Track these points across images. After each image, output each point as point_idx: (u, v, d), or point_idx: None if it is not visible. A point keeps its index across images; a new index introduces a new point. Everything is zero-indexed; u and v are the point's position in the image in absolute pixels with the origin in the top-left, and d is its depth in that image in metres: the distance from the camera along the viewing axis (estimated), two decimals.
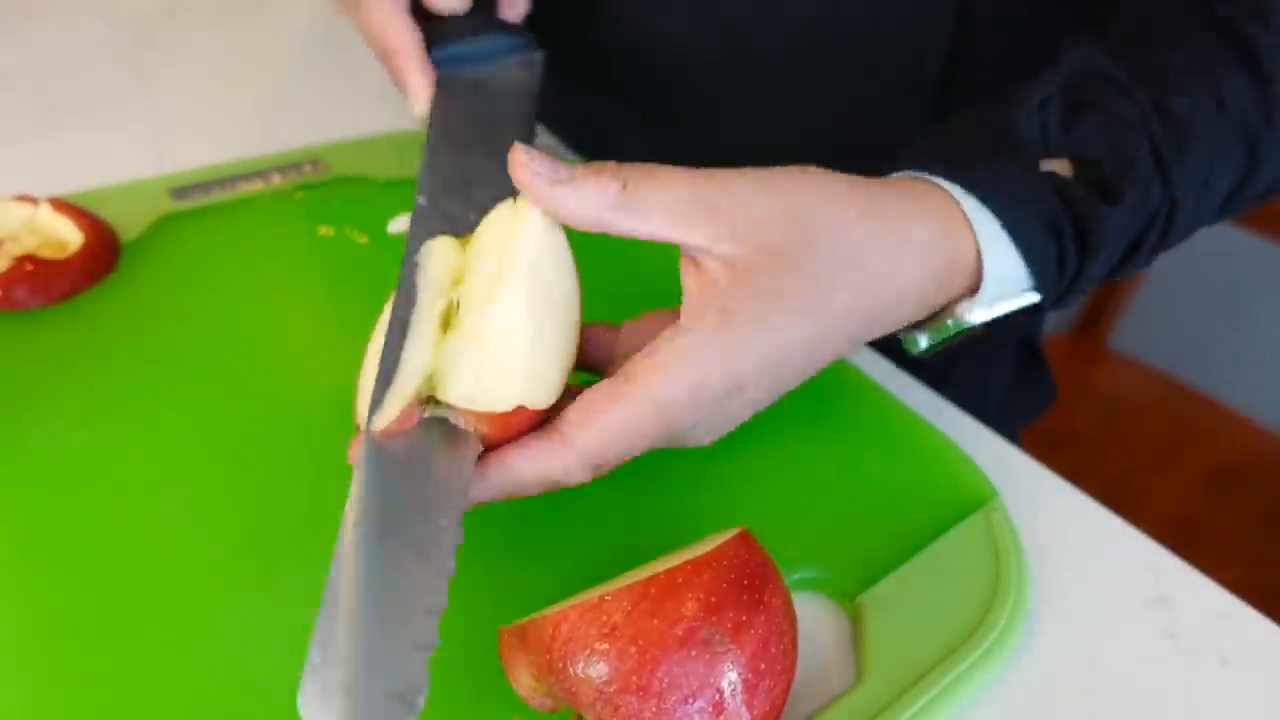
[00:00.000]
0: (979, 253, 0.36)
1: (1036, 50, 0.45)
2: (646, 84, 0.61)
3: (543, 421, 0.32)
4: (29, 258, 0.42)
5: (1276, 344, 1.37)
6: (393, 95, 0.67)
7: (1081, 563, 0.38)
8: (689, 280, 0.33)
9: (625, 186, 0.32)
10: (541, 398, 0.31)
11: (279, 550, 0.35)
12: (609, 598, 0.27)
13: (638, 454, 0.33)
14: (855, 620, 0.34)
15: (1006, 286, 0.37)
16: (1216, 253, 1.32)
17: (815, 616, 0.35)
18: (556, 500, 0.38)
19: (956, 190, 0.36)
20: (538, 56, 0.49)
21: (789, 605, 0.30)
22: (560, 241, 0.33)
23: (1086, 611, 0.36)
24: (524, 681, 0.29)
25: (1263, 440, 1.02)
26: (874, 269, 0.33)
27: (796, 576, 0.36)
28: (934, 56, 0.53)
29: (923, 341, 0.38)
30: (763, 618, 0.28)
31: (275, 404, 0.41)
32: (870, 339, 0.35)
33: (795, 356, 0.33)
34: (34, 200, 0.47)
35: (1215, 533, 0.93)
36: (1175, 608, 0.37)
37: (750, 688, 0.27)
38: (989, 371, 0.68)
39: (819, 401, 0.43)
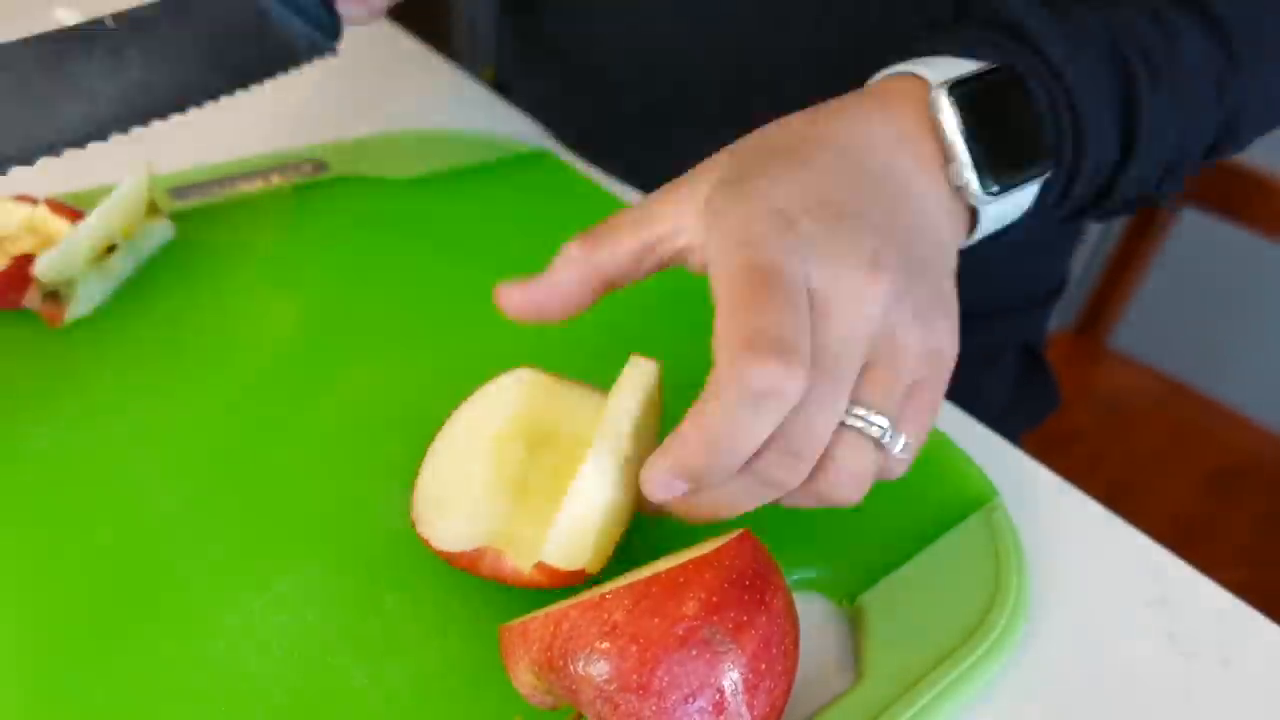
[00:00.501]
0: (912, 74, 0.36)
1: None
2: (649, 95, 0.60)
3: (590, 581, 0.32)
4: (27, 257, 0.42)
5: (1276, 344, 1.37)
6: (392, 95, 0.67)
7: (1081, 563, 0.38)
8: (691, 263, 0.34)
9: (583, 237, 0.34)
10: (598, 566, 0.32)
11: (279, 550, 0.35)
12: (610, 596, 0.27)
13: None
14: (855, 620, 0.34)
15: (955, 73, 0.36)
16: (1216, 253, 1.32)
17: (815, 616, 0.35)
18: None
19: (881, 72, 0.38)
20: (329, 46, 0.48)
21: (791, 606, 0.30)
22: (652, 384, 0.34)
23: (1086, 611, 0.36)
24: (524, 679, 0.29)
25: (1263, 440, 1.02)
26: (826, 131, 0.34)
27: (796, 576, 0.36)
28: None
29: (964, 171, 0.35)
30: (764, 618, 0.28)
31: (275, 404, 0.41)
32: (882, 173, 0.34)
33: (798, 187, 0.32)
34: (32, 200, 0.46)
35: (1215, 533, 0.93)
36: (1175, 608, 0.37)
37: (751, 688, 0.27)
38: (991, 377, 0.68)
39: None
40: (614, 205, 0.56)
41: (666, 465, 0.29)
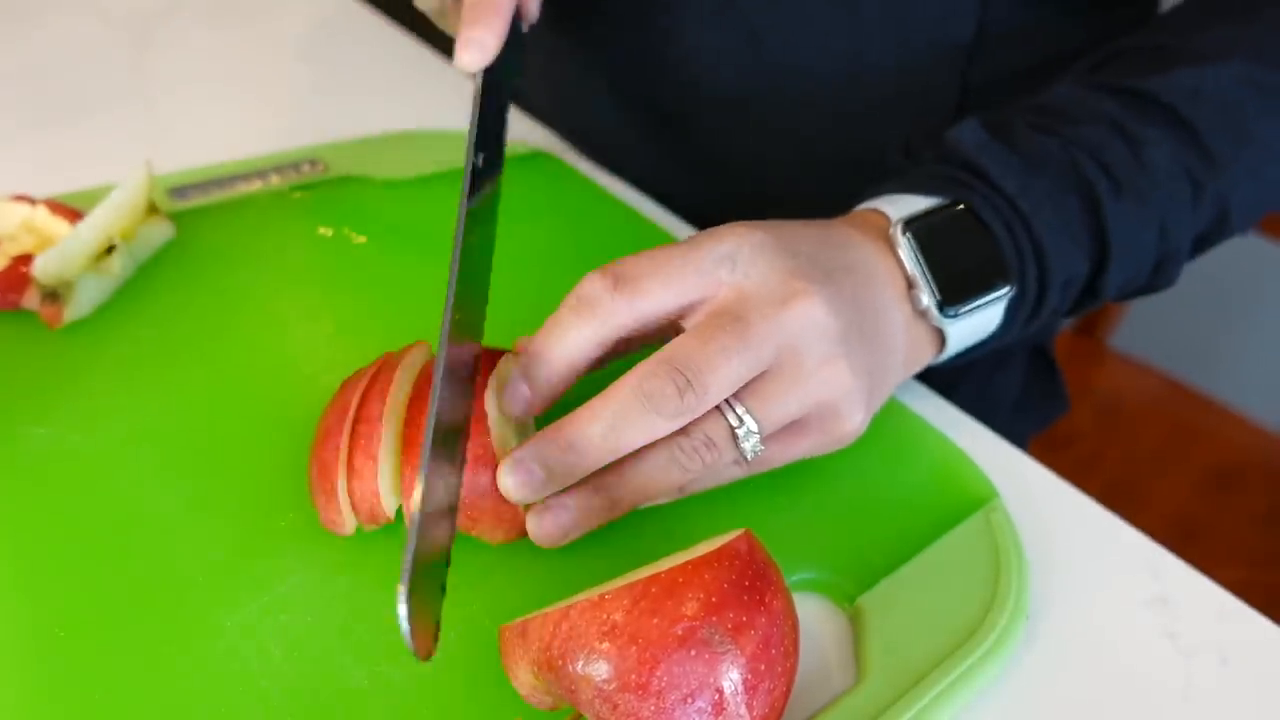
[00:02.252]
0: (881, 212, 0.40)
1: (1049, 65, 0.46)
2: (667, 95, 0.60)
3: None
4: (26, 258, 0.42)
5: (1276, 344, 1.37)
6: (392, 95, 0.67)
7: (1081, 563, 0.38)
8: None
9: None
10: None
11: (278, 551, 0.35)
12: (609, 596, 0.27)
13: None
14: (855, 621, 0.34)
15: (913, 210, 0.39)
16: (1216, 253, 1.32)
17: (815, 617, 0.35)
18: None
19: (858, 206, 0.41)
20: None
21: (790, 607, 0.30)
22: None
23: (1086, 611, 0.36)
24: (524, 679, 0.29)
25: (1263, 440, 1.02)
26: (809, 222, 0.38)
27: (796, 577, 0.36)
28: (951, 76, 0.54)
29: (923, 296, 0.38)
30: (764, 619, 0.28)
31: (274, 404, 0.41)
32: (849, 258, 0.37)
33: (781, 232, 0.36)
34: (31, 200, 0.46)
35: (1215, 533, 0.93)
36: (1175, 608, 0.37)
37: (750, 688, 0.27)
38: (1000, 379, 0.68)
39: None
40: (614, 206, 0.56)
41: (523, 452, 0.31)
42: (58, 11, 0.73)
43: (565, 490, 0.33)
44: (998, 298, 0.39)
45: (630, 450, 0.32)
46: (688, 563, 0.28)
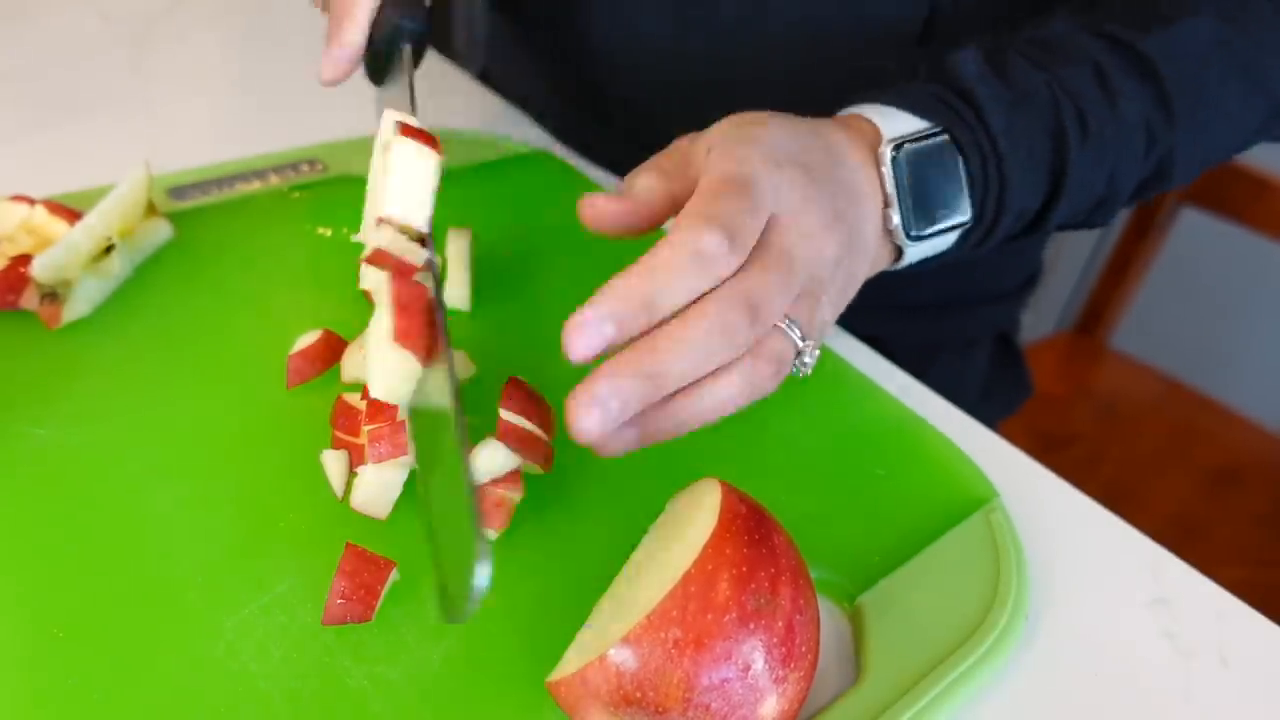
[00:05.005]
0: (871, 121, 0.41)
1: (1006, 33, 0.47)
2: (630, 83, 0.61)
3: None
4: (25, 258, 0.42)
5: (1276, 344, 1.37)
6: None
7: (1081, 563, 0.38)
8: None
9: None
10: None
11: (278, 551, 0.35)
12: (654, 618, 0.27)
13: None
14: (855, 620, 0.34)
15: (905, 131, 0.41)
16: (1216, 253, 1.32)
17: None
18: (553, 508, 0.38)
19: (851, 109, 0.43)
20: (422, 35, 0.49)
21: (780, 525, 0.31)
22: None
23: (1086, 611, 0.36)
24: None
25: (1263, 440, 1.02)
26: (811, 122, 0.40)
27: None
28: (905, 59, 0.55)
29: (894, 215, 0.40)
30: (781, 558, 0.29)
31: (274, 403, 0.41)
32: (847, 178, 0.39)
33: (802, 158, 0.37)
34: (30, 200, 0.46)
35: (1215, 533, 0.93)
36: (1175, 608, 0.37)
37: (800, 611, 0.29)
38: (967, 365, 0.70)
39: (819, 403, 0.43)
40: None
41: (600, 307, 0.31)
42: (57, 11, 0.73)
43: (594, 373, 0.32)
44: (957, 226, 0.41)
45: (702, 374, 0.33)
46: (707, 547, 0.28)
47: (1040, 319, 1.56)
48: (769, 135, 0.37)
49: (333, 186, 0.55)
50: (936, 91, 0.42)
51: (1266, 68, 0.45)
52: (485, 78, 0.75)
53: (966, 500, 0.39)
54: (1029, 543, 0.38)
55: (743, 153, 0.36)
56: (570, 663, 0.29)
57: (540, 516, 0.37)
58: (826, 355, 0.46)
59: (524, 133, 0.64)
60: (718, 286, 0.32)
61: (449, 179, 0.58)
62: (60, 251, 0.42)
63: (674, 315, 0.32)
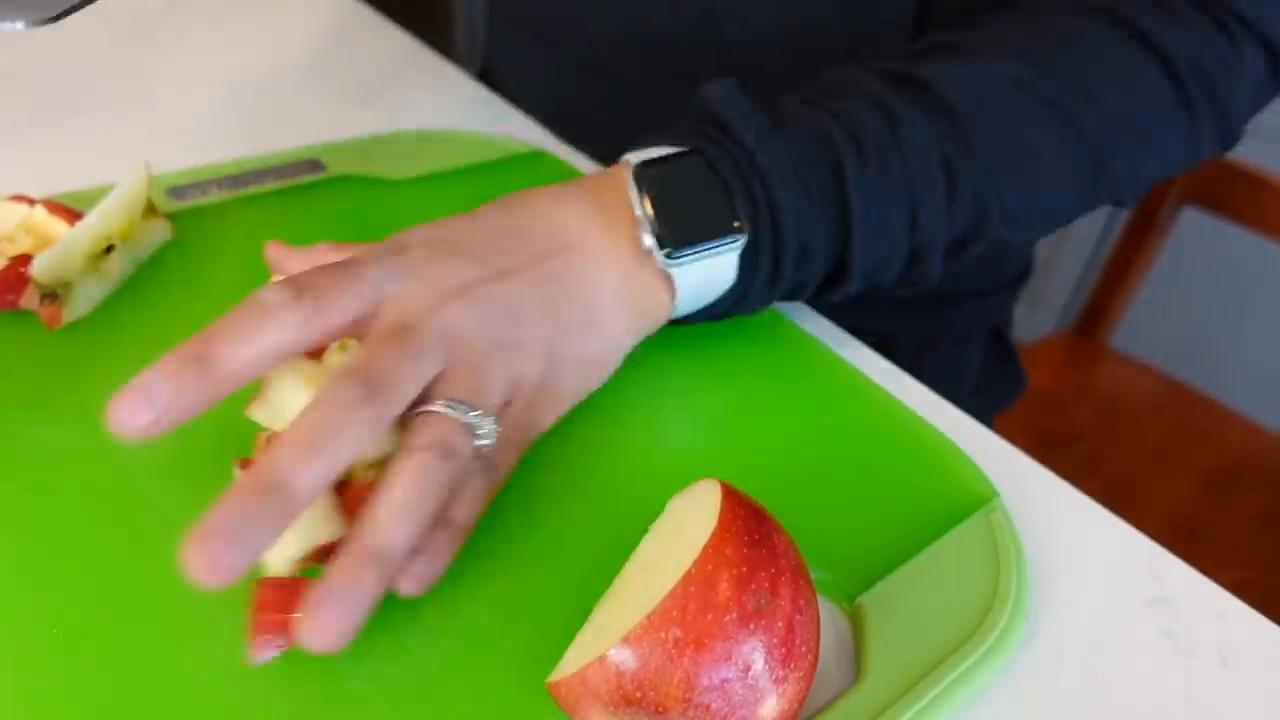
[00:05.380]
0: (626, 161, 0.40)
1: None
2: (627, 69, 0.61)
3: None
4: (25, 258, 0.42)
5: (1276, 344, 1.37)
6: (392, 95, 0.67)
7: (1081, 563, 0.38)
8: None
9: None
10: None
11: None
12: (655, 618, 0.27)
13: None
14: (855, 620, 0.34)
15: (651, 154, 0.40)
16: (1216, 253, 1.32)
17: None
18: (540, 510, 0.38)
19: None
20: None
21: (778, 523, 0.31)
22: None
23: (1086, 611, 0.36)
24: None
25: (1263, 440, 1.02)
26: (517, 203, 0.40)
27: None
28: (899, 41, 0.55)
29: (646, 238, 0.39)
30: (780, 558, 0.29)
31: None
32: (525, 222, 0.39)
33: (452, 231, 0.38)
34: (29, 200, 0.46)
35: (1215, 533, 0.93)
36: (1175, 608, 0.37)
37: (800, 611, 0.29)
38: (960, 360, 0.70)
39: (818, 402, 0.43)
40: None
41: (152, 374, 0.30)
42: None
43: (324, 577, 0.29)
44: (724, 245, 0.39)
45: (342, 469, 0.30)
46: (707, 547, 0.28)
47: (1040, 319, 1.56)
48: (420, 229, 0.37)
49: (333, 186, 0.55)
50: (689, 125, 0.41)
51: (1079, 114, 0.43)
52: (485, 78, 0.75)
53: (966, 500, 0.39)
54: (1029, 543, 0.38)
55: (368, 251, 0.35)
56: (570, 663, 0.29)
57: (539, 517, 0.37)
58: (825, 354, 0.46)
59: (524, 133, 0.64)
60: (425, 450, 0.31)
61: (449, 179, 0.58)
62: (60, 251, 0.42)
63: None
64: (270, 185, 0.54)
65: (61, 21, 0.69)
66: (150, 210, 0.48)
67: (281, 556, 0.32)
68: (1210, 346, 1.37)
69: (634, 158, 0.40)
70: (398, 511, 0.30)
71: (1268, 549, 0.92)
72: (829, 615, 0.35)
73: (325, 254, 0.40)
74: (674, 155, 0.40)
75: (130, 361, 0.42)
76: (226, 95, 0.66)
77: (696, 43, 0.58)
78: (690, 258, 0.39)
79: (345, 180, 0.55)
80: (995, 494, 0.39)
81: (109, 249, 0.45)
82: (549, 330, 0.37)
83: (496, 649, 0.32)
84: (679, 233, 0.39)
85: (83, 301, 0.44)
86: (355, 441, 0.30)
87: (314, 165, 0.56)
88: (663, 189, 0.39)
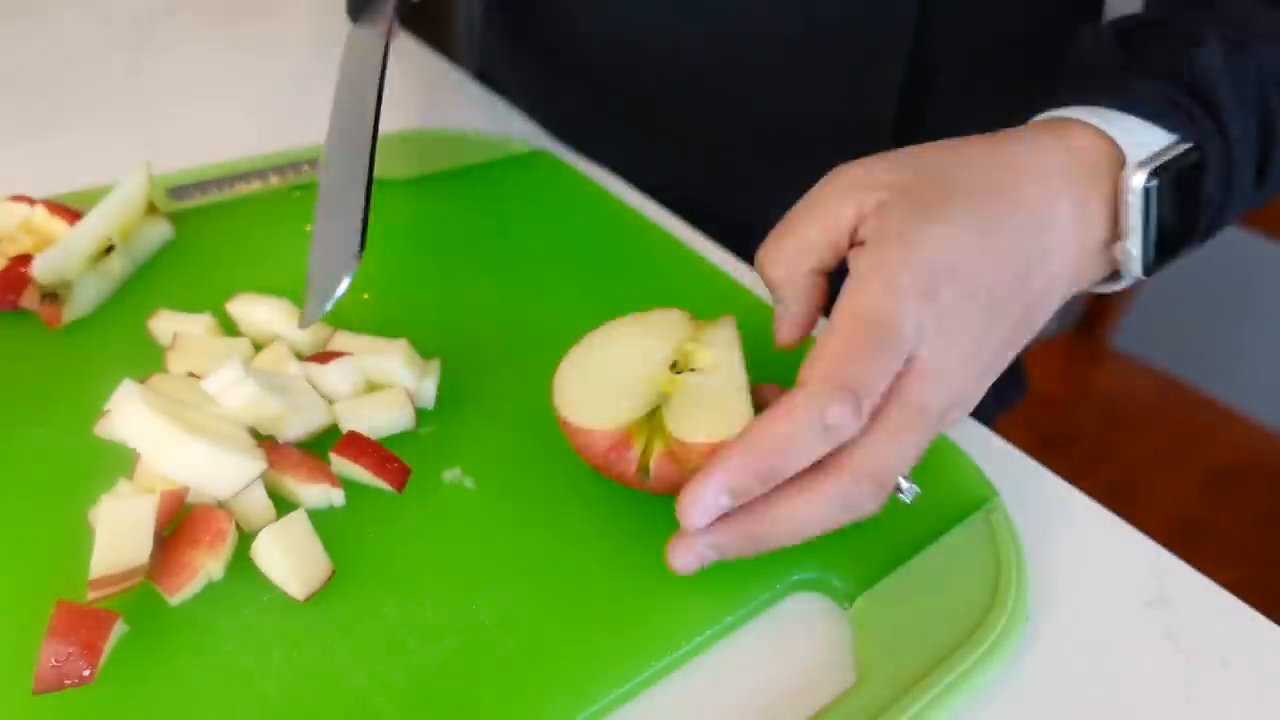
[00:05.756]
0: (1102, 133, 0.36)
1: (999, 41, 0.46)
2: (629, 76, 0.61)
3: None
4: (25, 258, 0.42)
5: (1276, 344, 1.37)
6: (392, 95, 0.67)
7: (1081, 563, 0.38)
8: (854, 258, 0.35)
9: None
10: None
11: None
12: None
13: (880, 386, 0.31)
14: (855, 621, 0.34)
15: (1151, 147, 0.36)
16: (1216, 253, 1.32)
17: (815, 616, 0.35)
18: (550, 510, 0.38)
19: (1063, 111, 0.38)
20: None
21: None
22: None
23: (1086, 611, 0.36)
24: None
25: (1263, 440, 1.02)
26: (1016, 172, 0.35)
27: (796, 577, 0.36)
28: (900, 51, 0.55)
29: (1133, 249, 0.36)
30: None
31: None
32: (1044, 247, 0.35)
33: (969, 255, 0.33)
34: (30, 200, 0.46)
35: (1215, 533, 0.93)
36: (1175, 608, 0.37)
37: None
38: None
39: None
40: (613, 205, 0.56)
41: (718, 480, 0.31)
42: (58, 12, 0.73)
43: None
44: (1187, 254, 0.38)
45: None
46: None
47: None
48: (936, 241, 0.33)
49: None
50: (1169, 93, 0.37)
51: None
52: (484, 77, 0.75)
53: (966, 500, 0.39)
54: (1029, 543, 0.38)
55: (892, 275, 0.32)
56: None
57: (537, 518, 0.37)
58: None
59: (524, 133, 0.64)
60: (841, 460, 0.31)
61: (449, 179, 0.58)
62: (60, 251, 0.42)
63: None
64: (270, 185, 0.54)
65: (62, 23, 0.69)
66: (150, 210, 0.48)
67: None
68: (1210, 346, 1.36)
69: (1129, 148, 0.36)
70: (798, 504, 0.32)
71: (1268, 549, 0.92)
72: (829, 615, 0.35)
73: (810, 251, 0.36)
74: (1178, 155, 0.36)
75: (130, 361, 0.42)
76: (226, 95, 0.66)
77: (695, 48, 0.58)
78: (1155, 272, 0.38)
79: None
80: (995, 494, 0.39)
81: (109, 249, 0.45)
82: (1034, 333, 0.37)
83: (497, 649, 0.32)
84: (1160, 255, 0.37)
85: (83, 301, 0.44)
86: (843, 521, 0.33)
87: (314, 165, 0.56)
88: (1163, 202, 0.36)
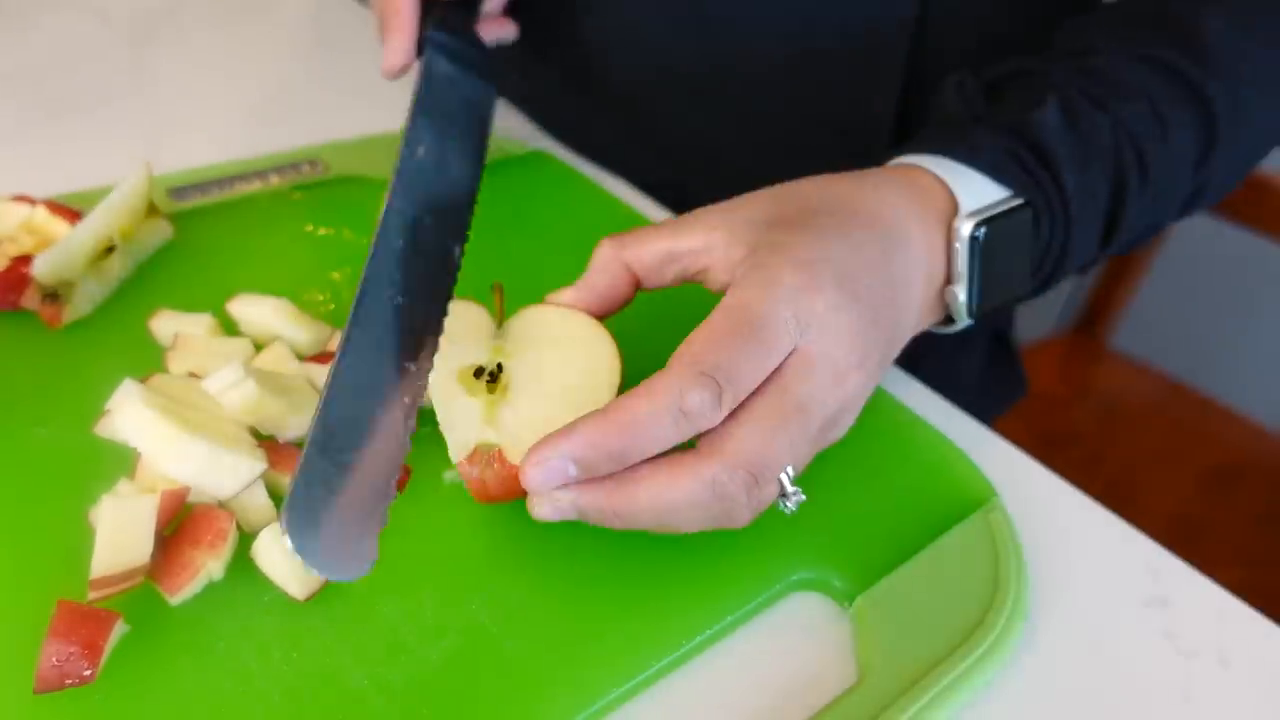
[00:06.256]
0: (944, 182, 0.38)
1: (999, 45, 0.46)
2: (629, 81, 0.61)
3: None
4: (26, 258, 0.42)
5: (1276, 344, 1.37)
6: (391, 95, 0.67)
7: (1081, 563, 0.38)
8: (712, 281, 0.36)
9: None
10: None
11: None
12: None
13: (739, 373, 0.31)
14: (855, 621, 0.34)
15: (983, 200, 0.39)
16: (1216, 253, 1.32)
17: (815, 617, 0.35)
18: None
19: (913, 158, 0.40)
20: (491, 87, 0.49)
21: None
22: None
23: (1086, 611, 0.36)
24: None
25: (1263, 440, 1.02)
26: (869, 198, 0.37)
27: (796, 576, 0.36)
28: (896, 56, 0.55)
29: (960, 293, 0.38)
30: None
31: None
32: (905, 268, 0.36)
33: (847, 257, 0.34)
34: (31, 200, 0.46)
35: (1215, 533, 0.93)
36: (1175, 608, 0.37)
37: None
38: (960, 361, 0.70)
39: None
40: (613, 205, 0.56)
41: (564, 448, 0.30)
42: (57, 11, 0.73)
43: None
44: (1017, 298, 0.40)
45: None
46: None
47: (1040, 319, 1.56)
48: (810, 242, 0.34)
49: (333, 187, 0.55)
50: (1007, 146, 0.39)
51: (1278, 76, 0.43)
52: None
53: (966, 500, 0.39)
54: (1029, 543, 0.38)
55: (774, 274, 0.33)
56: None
57: (535, 520, 0.37)
58: None
59: (524, 133, 0.64)
60: (714, 445, 0.31)
61: None
62: (61, 251, 0.42)
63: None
64: (270, 185, 0.54)
65: (63, 22, 0.69)
66: (151, 210, 0.48)
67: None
68: (1210, 346, 1.36)
69: (962, 197, 0.38)
70: (662, 480, 0.31)
71: (1268, 549, 0.92)
72: (829, 615, 0.35)
73: (659, 238, 0.37)
74: (1006, 210, 0.38)
75: (131, 361, 0.42)
76: (226, 95, 0.66)
77: (694, 49, 0.58)
78: (982, 316, 0.40)
79: (345, 180, 0.56)
80: (994, 494, 0.39)
81: (110, 249, 0.45)
82: (893, 357, 0.37)
83: (496, 649, 0.32)
84: (990, 296, 0.39)
85: (83, 301, 0.44)
86: (707, 522, 0.32)
87: (314, 165, 0.56)
88: (987, 257, 0.38)
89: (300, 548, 0.27)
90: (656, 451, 0.31)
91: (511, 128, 0.65)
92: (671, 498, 0.31)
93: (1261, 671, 0.35)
